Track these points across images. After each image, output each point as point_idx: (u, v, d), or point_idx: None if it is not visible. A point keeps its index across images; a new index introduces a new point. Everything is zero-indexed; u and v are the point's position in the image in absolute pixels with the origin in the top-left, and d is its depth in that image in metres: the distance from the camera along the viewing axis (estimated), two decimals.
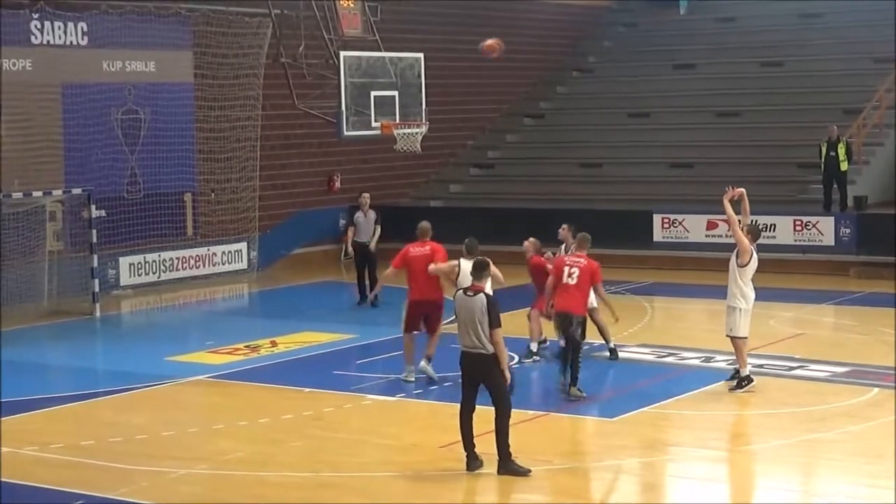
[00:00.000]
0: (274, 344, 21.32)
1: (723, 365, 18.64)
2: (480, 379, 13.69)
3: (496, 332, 13.48)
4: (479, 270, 14.01)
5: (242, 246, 30.00)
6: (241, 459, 14.45)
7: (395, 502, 12.95)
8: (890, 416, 15.79)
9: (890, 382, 17.41)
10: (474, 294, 13.70)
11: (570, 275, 17.11)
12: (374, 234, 25.60)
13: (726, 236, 29.36)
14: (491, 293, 14.40)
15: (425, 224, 18.77)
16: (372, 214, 25.70)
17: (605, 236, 29.63)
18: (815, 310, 24.40)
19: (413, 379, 17.91)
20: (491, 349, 13.46)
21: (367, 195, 25.99)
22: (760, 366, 18.57)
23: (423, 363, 17.98)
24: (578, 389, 16.84)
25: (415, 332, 18.22)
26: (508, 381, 13.66)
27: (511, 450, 13.55)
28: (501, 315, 13.51)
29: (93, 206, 25.36)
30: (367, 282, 25.19)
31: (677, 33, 39.82)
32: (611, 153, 34.75)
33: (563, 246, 19.64)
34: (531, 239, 19.89)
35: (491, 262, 14.52)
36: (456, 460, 14.12)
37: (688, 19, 40.69)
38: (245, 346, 21.08)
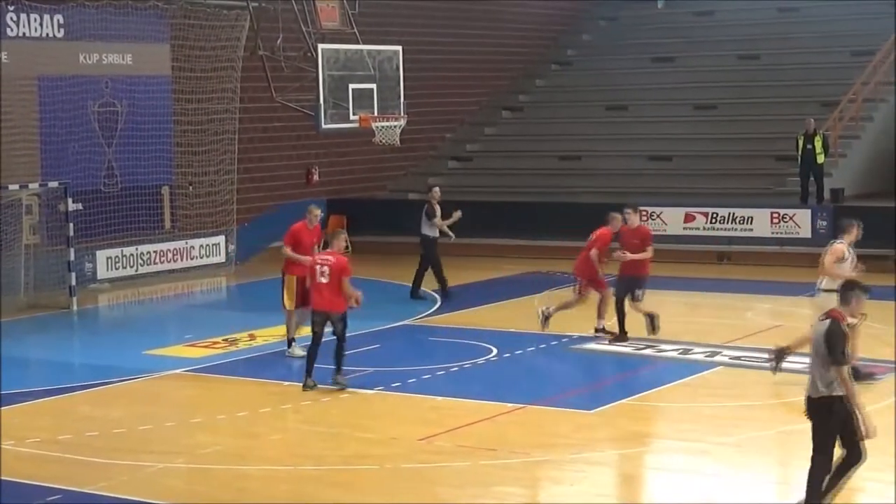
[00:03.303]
0: (252, 337, 21.28)
1: (700, 357, 18.70)
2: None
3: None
4: None
5: (220, 239, 29.92)
6: (220, 453, 14.43)
7: (376, 495, 12.95)
8: (868, 406, 15.81)
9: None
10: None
11: (322, 273, 17.16)
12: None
13: (703, 229, 29.59)
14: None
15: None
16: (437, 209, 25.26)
17: (583, 229, 29.74)
18: (792, 302, 24.43)
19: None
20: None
21: (437, 189, 25.56)
22: (738, 357, 18.63)
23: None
24: (342, 378, 17.22)
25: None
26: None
27: (489, 443, 13.54)
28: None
29: (69, 200, 25.27)
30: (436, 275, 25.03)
31: (656, 27, 39.89)
32: (589, 146, 34.79)
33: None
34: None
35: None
36: (435, 453, 14.15)
37: (666, 13, 40.79)
38: (223, 340, 21.04)
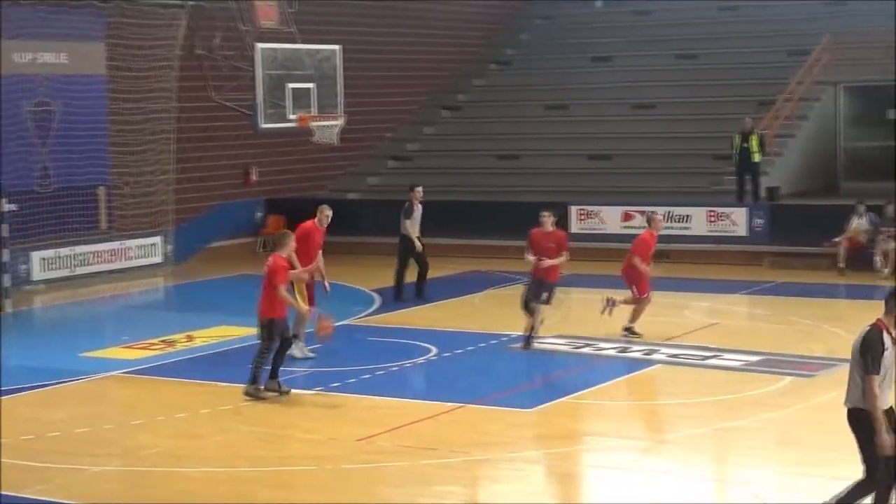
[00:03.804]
0: (190, 338, 21.18)
1: (638, 355, 18.80)
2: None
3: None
4: None
5: (157, 240, 29.75)
6: (160, 455, 14.35)
7: (316, 496, 12.92)
8: (801, 403, 16.01)
9: (802, 371, 17.64)
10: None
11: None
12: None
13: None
14: None
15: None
16: (420, 208, 25.01)
17: (522, 228, 29.79)
18: (729, 299, 24.65)
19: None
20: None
21: (420, 189, 25.27)
22: (675, 355, 18.76)
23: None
24: (257, 388, 16.73)
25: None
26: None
27: (429, 442, 13.54)
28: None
29: (4, 200, 25.05)
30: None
31: (594, 26, 40.05)
32: (528, 145, 34.89)
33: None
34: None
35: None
36: (375, 452, 14.15)
37: (604, 12, 40.97)
38: (161, 341, 20.92)
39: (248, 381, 16.74)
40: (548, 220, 19.78)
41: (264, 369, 16.76)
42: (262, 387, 16.71)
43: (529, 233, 19.86)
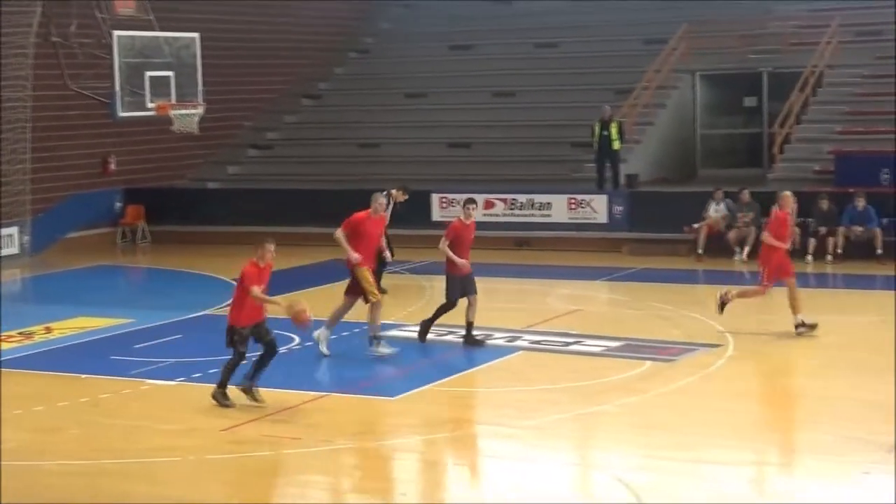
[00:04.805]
0: (48, 330, 20.83)
1: (501, 342, 18.89)
2: None
3: None
4: None
5: (14, 230, 29.19)
6: (17, 449, 14.08)
7: (180, 487, 12.80)
8: (661, 388, 16.24)
9: (662, 356, 17.88)
10: None
11: None
12: None
13: (502, 215, 29.91)
14: None
15: None
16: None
17: None
18: (590, 286, 24.90)
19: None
20: None
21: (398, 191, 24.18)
22: (538, 342, 18.89)
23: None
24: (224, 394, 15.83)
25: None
26: None
27: (293, 431, 13.46)
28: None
29: None
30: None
31: (453, 14, 40.14)
32: (389, 133, 34.87)
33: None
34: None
35: None
36: (238, 443, 14.06)
37: (464, 1, 41.04)
38: (18, 333, 20.53)
39: (217, 383, 15.79)
40: (473, 211, 18.90)
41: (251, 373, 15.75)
42: (243, 387, 15.63)
43: (450, 225, 18.84)
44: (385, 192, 22.45)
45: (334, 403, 15.94)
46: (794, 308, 19.09)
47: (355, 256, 17.98)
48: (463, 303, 18.67)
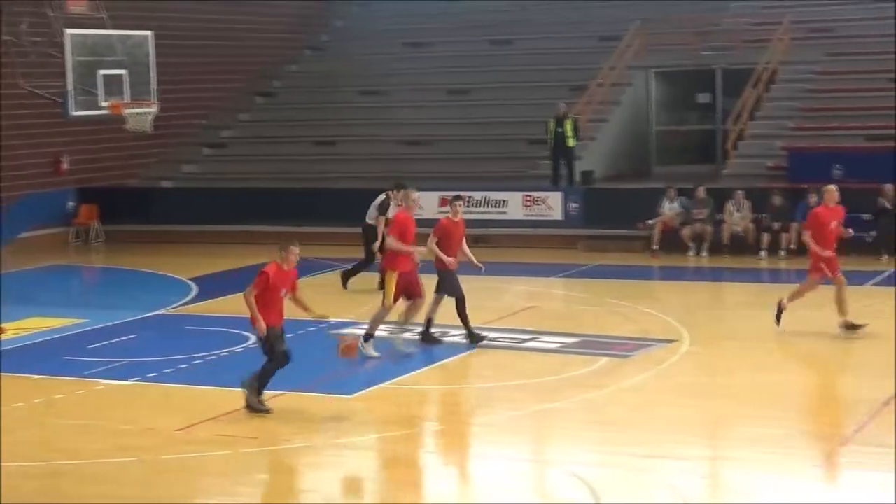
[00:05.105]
0: (1, 331, 20.68)
1: (457, 339, 18.89)
2: None
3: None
4: None
5: None
6: None
7: (135, 487, 12.73)
8: (617, 384, 16.29)
9: (618, 352, 17.94)
10: None
11: None
12: None
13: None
14: None
15: None
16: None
17: (339, 215, 29.81)
18: (546, 283, 24.93)
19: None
20: None
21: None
22: (494, 339, 18.88)
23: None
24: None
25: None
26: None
27: (250, 431, 13.40)
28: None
29: None
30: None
31: (408, 12, 40.12)
32: (344, 131, 34.81)
33: None
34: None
35: None
36: (194, 442, 14.00)
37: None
38: None
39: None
40: (460, 208, 18.78)
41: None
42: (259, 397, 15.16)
43: (438, 223, 18.71)
44: (384, 193, 22.58)
45: (291, 402, 15.88)
46: (842, 309, 18.42)
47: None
48: (429, 299, 18.63)
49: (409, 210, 18.33)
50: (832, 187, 18.96)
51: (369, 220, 23.49)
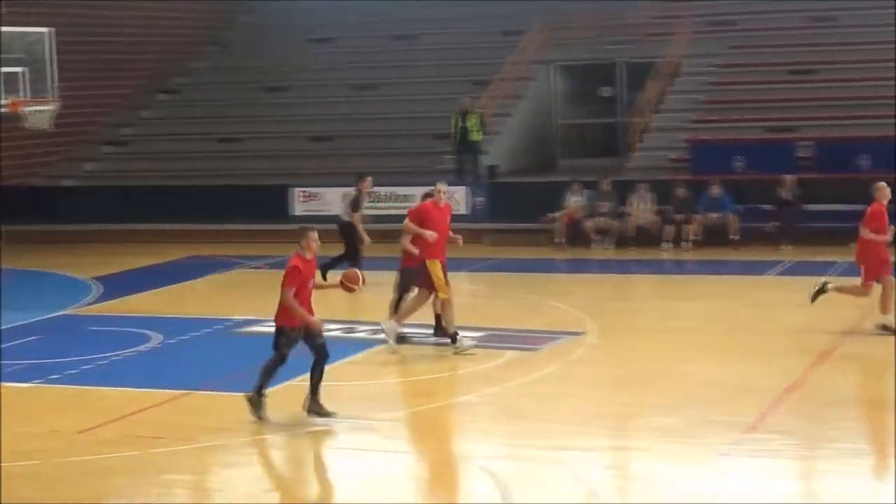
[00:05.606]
0: None
1: (364, 335, 18.85)
2: None
3: None
4: None
5: None
6: None
7: (39, 490, 12.54)
8: (524, 377, 16.33)
9: (524, 345, 17.99)
10: None
11: None
12: None
13: (366, 208, 29.79)
14: None
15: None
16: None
17: (243, 211, 29.66)
18: (452, 277, 24.76)
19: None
20: None
21: (370, 179, 24.10)
22: (402, 334, 18.82)
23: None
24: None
25: None
26: None
27: (157, 431, 13.26)
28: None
29: None
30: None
31: (310, 7, 39.99)
32: (249, 128, 34.60)
33: None
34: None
35: None
36: (99, 444, 13.83)
37: None
38: None
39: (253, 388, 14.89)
40: (444, 194, 18.23)
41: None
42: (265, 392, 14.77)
43: (421, 206, 18.19)
44: (355, 189, 22.49)
45: (198, 401, 15.77)
46: (885, 307, 17.81)
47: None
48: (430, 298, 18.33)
49: (437, 202, 17.99)
50: (884, 184, 18.21)
51: (344, 217, 23.33)
